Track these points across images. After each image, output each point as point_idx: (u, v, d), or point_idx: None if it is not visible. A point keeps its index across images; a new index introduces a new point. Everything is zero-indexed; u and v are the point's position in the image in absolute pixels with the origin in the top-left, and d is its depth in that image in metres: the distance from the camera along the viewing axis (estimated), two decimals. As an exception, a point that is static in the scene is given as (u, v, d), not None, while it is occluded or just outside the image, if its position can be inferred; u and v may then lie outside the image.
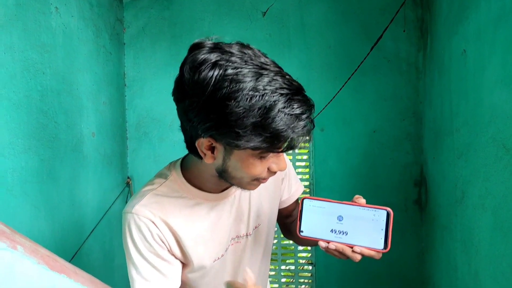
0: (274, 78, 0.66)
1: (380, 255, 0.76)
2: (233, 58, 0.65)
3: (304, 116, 0.67)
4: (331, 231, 0.76)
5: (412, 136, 2.20)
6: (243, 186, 0.78)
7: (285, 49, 2.28)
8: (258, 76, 0.64)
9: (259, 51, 0.71)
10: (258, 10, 2.29)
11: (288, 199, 1.05)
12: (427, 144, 2.07)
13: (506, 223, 1.11)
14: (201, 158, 0.75)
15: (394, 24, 2.14)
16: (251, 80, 0.64)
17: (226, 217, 0.88)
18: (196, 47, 0.68)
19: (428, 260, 2.07)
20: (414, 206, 2.20)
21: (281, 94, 0.64)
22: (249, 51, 0.68)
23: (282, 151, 0.69)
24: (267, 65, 0.68)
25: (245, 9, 2.30)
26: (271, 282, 2.37)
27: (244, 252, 0.96)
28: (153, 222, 0.79)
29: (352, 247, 0.75)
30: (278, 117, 0.64)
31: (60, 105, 1.69)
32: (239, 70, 0.64)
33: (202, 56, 0.65)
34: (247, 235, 0.94)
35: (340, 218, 0.76)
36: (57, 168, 1.66)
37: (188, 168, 0.85)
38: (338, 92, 2.19)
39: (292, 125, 0.65)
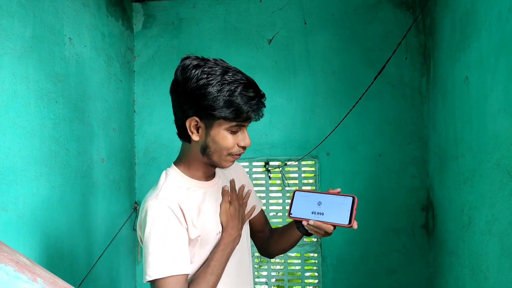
0: (236, 74, 0.96)
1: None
2: (208, 63, 0.96)
3: (256, 98, 0.96)
4: (312, 212, 1.01)
5: (417, 160, 2.21)
6: (221, 162, 1.02)
7: (291, 75, 2.33)
8: (224, 72, 0.95)
9: (227, 63, 1.00)
10: (264, 37, 2.36)
11: (255, 209, 1.25)
12: (432, 168, 2.08)
13: (514, 250, 1.11)
14: (189, 141, 1.02)
15: (397, 50, 2.19)
16: (220, 74, 0.94)
17: (217, 203, 1.08)
18: (185, 58, 0.98)
19: (436, 285, 2.04)
20: (422, 230, 2.19)
21: (240, 83, 0.94)
22: (220, 61, 0.98)
23: (243, 121, 0.96)
24: (231, 68, 0.98)
25: (251, 37, 2.36)
26: (278, 309, 2.34)
27: None
28: (175, 204, 0.98)
29: (326, 223, 0.99)
30: (239, 96, 0.93)
31: (72, 132, 1.73)
32: (212, 68, 0.94)
33: (188, 62, 0.96)
34: None
35: (319, 203, 1.01)
36: (68, 195, 1.69)
37: (180, 163, 1.08)
38: (344, 118, 2.22)
39: (249, 103, 0.94)
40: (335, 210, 0.99)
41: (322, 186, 2.28)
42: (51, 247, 1.58)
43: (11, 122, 1.38)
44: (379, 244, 2.22)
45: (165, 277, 0.91)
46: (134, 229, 2.31)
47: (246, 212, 1.15)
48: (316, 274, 2.31)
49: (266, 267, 2.37)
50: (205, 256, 1.04)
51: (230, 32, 2.38)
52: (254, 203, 1.23)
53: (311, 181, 2.34)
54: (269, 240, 1.27)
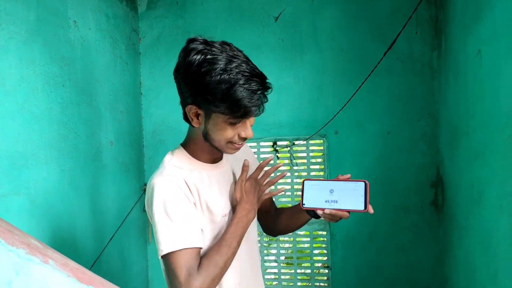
0: (241, 64, 0.90)
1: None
2: (213, 49, 0.90)
3: (258, 92, 0.91)
4: (325, 201, 1.00)
5: (427, 136, 2.18)
6: (223, 148, 1.00)
7: (298, 53, 2.29)
8: (228, 61, 0.89)
9: (236, 48, 0.95)
10: (270, 15, 2.31)
11: (284, 190, 1.24)
12: (443, 145, 2.06)
13: (525, 225, 1.10)
14: (192, 125, 0.99)
15: (407, 25, 2.14)
16: (222, 64, 0.88)
17: (222, 187, 1.08)
18: (190, 41, 0.93)
19: (446, 261, 2.05)
20: (431, 207, 2.19)
21: (243, 75, 0.89)
22: (227, 46, 0.92)
23: (241, 117, 0.92)
24: (238, 56, 0.91)
25: (257, 15, 2.32)
26: (287, 287, 2.38)
27: None
28: (182, 181, 0.98)
29: (342, 211, 0.98)
30: (238, 90, 0.88)
31: (79, 116, 1.74)
32: (215, 56, 0.89)
33: (192, 46, 0.91)
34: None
35: (331, 191, 1.01)
36: (78, 178, 1.71)
37: (186, 145, 1.06)
38: (353, 96, 2.19)
39: (248, 97, 0.89)
40: (349, 196, 0.98)
41: (331, 165, 2.27)
42: (63, 230, 1.61)
43: (19, 107, 1.39)
44: (388, 222, 2.22)
45: (176, 251, 0.91)
46: (144, 211, 2.33)
47: (272, 192, 1.12)
48: (325, 251, 2.33)
49: (275, 245, 2.39)
50: (210, 237, 1.03)
51: (235, 11, 2.34)
52: None
53: (319, 160, 2.34)
54: (275, 220, 1.26)
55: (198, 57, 0.89)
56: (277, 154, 2.35)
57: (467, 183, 1.62)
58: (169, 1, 2.39)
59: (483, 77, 1.42)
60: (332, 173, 2.27)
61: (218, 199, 1.05)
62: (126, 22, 2.23)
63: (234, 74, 0.88)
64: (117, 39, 2.12)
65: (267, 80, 0.95)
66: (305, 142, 2.31)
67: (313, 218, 1.11)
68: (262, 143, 2.37)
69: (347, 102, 2.20)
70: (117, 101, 2.09)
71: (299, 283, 2.38)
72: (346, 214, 0.98)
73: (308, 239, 2.36)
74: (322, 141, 2.31)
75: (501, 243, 1.26)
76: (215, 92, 0.88)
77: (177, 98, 1.06)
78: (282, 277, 2.39)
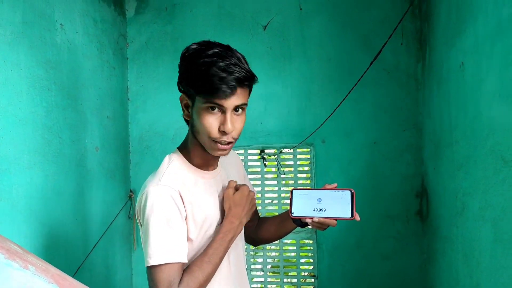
0: (232, 62, 0.90)
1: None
2: (212, 44, 0.93)
3: (235, 74, 0.90)
4: (314, 209, 1.02)
5: (412, 147, 2.21)
6: (208, 147, 0.99)
7: (286, 61, 2.31)
8: (214, 47, 0.92)
9: (240, 54, 0.96)
10: (258, 23, 2.33)
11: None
12: (427, 155, 2.09)
13: (506, 235, 1.12)
14: (187, 122, 1.01)
15: (393, 36, 2.18)
16: (205, 49, 0.91)
17: (220, 192, 1.08)
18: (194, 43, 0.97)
19: (430, 271, 2.07)
20: (416, 217, 2.21)
21: (221, 56, 0.90)
22: (228, 46, 0.95)
23: (218, 97, 0.91)
24: (226, 46, 0.94)
25: (246, 23, 2.34)
26: (274, 294, 2.36)
27: None
28: (176, 192, 0.97)
29: (330, 219, 1.00)
30: (213, 69, 0.89)
31: (65, 120, 1.71)
32: (210, 46, 0.92)
33: (193, 45, 0.95)
34: None
35: (319, 200, 1.03)
36: (62, 183, 1.68)
37: (183, 149, 1.06)
38: (339, 105, 2.21)
39: (222, 76, 0.89)
40: (336, 204, 1.01)
41: (318, 173, 2.28)
42: (46, 236, 1.57)
43: (2, 110, 1.36)
44: (374, 230, 2.24)
45: (161, 264, 0.92)
46: (130, 217, 2.31)
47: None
48: (312, 260, 2.33)
49: (261, 254, 2.38)
50: (202, 247, 1.02)
51: (225, 18, 2.35)
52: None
53: (306, 168, 2.35)
54: (258, 229, 1.26)
55: (194, 46, 0.94)
56: (264, 162, 2.35)
57: (451, 194, 1.65)
58: (157, 7, 2.39)
59: (465, 89, 1.45)
60: (318, 181, 2.28)
61: (214, 208, 1.05)
62: (114, 27, 2.22)
63: (213, 54, 0.91)
64: (105, 44, 2.11)
65: (255, 78, 0.96)
66: (292, 150, 2.32)
67: (298, 227, 1.12)
68: (249, 151, 2.37)
69: (334, 111, 2.22)
70: (104, 106, 2.07)
71: (284, 292, 2.37)
72: (334, 222, 1.00)
73: (295, 247, 2.35)
74: (309, 149, 2.32)
75: (483, 253, 1.28)
76: (196, 72, 0.91)
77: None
78: (269, 286, 2.38)
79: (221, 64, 0.89)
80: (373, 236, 2.24)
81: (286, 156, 2.34)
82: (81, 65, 1.87)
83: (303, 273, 2.36)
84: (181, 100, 1.00)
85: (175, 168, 1.01)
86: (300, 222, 1.07)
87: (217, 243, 0.99)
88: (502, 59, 1.13)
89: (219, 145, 0.97)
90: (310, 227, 1.05)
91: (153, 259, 0.92)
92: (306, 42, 2.30)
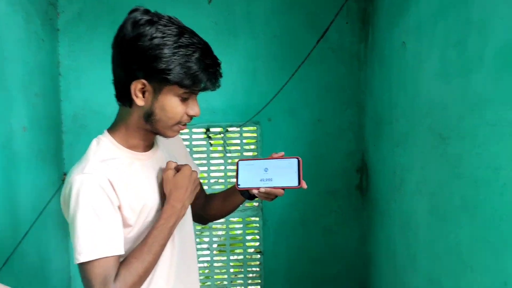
0: (192, 37, 0.88)
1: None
2: (162, 20, 0.87)
3: (214, 67, 0.90)
4: (260, 180, 1.00)
5: (354, 125, 2.28)
6: (166, 131, 0.95)
7: (231, 37, 2.24)
8: (181, 33, 0.87)
9: (181, 22, 0.92)
10: (202, -2, 2.22)
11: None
12: (368, 133, 2.16)
13: (441, 208, 1.19)
14: (130, 105, 0.92)
15: (339, 15, 2.19)
16: (176, 35, 0.86)
17: (158, 175, 1.02)
18: (133, 11, 0.88)
19: (369, 243, 2.18)
20: (356, 191, 2.30)
21: (198, 48, 0.87)
22: (174, 18, 0.90)
23: (199, 90, 0.91)
24: (187, 29, 0.90)
25: (189, -5, 2.22)
26: (219, 274, 2.37)
27: None
28: (105, 180, 0.89)
29: (276, 188, 0.99)
30: (197, 62, 0.86)
31: (-16, 97, 1.53)
32: (167, 27, 0.86)
33: (139, 16, 0.86)
34: None
35: (266, 170, 1.01)
36: (-16, 167, 1.51)
37: (115, 131, 0.97)
38: (286, 83, 2.20)
39: (207, 70, 0.88)
40: (283, 173, 0.99)
41: (264, 151, 2.28)
42: (-33, 226, 1.42)
43: None
44: (316, 206, 2.30)
45: (93, 260, 0.85)
46: (66, 202, 2.16)
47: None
48: (258, 237, 2.35)
49: (208, 233, 2.36)
50: (141, 235, 0.96)
51: (166, -11, 2.21)
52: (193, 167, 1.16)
53: (252, 147, 2.33)
54: (205, 207, 1.22)
55: (149, 28, 0.85)
56: (210, 141, 2.30)
57: (390, 170, 1.72)
58: (91, -26, 2.19)
59: (406, 69, 1.50)
60: (264, 160, 2.28)
61: (151, 191, 0.98)
62: (41, -6, 2.00)
63: (189, 45, 0.86)
64: (32, 13, 1.90)
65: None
66: (238, 129, 2.29)
67: (247, 200, 1.10)
68: (194, 130, 2.30)
69: (281, 89, 2.21)
70: (32, 83, 1.88)
71: (231, 270, 2.38)
72: (281, 191, 0.98)
73: (241, 225, 2.36)
74: (255, 127, 2.30)
75: (420, 226, 1.35)
76: (173, 63, 0.85)
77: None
78: (215, 264, 2.38)
79: (201, 57, 0.87)
80: (316, 211, 2.31)
81: (232, 135, 2.31)
82: (5, 37, 1.67)
83: (249, 250, 2.38)
84: (134, 87, 0.88)
85: (104, 152, 0.93)
86: (248, 194, 1.04)
87: (157, 230, 0.93)
88: (443, 40, 1.17)
89: (181, 127, 0.95)
90: (256, 204, 1.03)
91: (83, 255, 0.85)
92: (252, 17, 2.24)
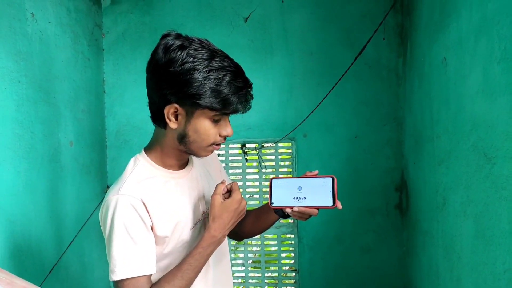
0: (223, 60, 0.88)
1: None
2: (193, 44, 0.88)
3: (245, 89, 0.90)
4: (294, 198, 0.98)
5: (393, 141, 2.22)
6: (200, 152, 0.96)
7: (268, 55, 2.27)
8: (212, 57, 0.87)
9: (213, 45, 0.92)
10: (239, 15, 2.28)
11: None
12: (407, 150, 2.10)
13: (488, 231, 1.13)
14: (165, 127, 0.94)
15: (374, 31, 2.17)
16: (207, 59, 0.86)
17: (193, 192, 1.03)
18: (166, 36, 0.90)
19: (409, 264, 2.09)
20: (395, 210, 2.23)
21: (229, 71, 0.87)
22: (205, 41, 0.90)
23: (230, 113, 0.91)
24: (218, 51, 0.90)
25: (226, 14, 2.28)
26: (255, 290, 2.35)
27: None
28: (138, 201, 0.91)
29: (310, 208, 0.96)
30: (228, 86, 0.87)
31: (36, 114, 1.63)
32: (198, 51, 0.87)
33: (171, 41, 0.88)
34: (207, 211, 1.08)
35: (299, 188, 0.99)
36: (34, 180, 1.61)
37: (151, 150, 1.00)
38: (323, 99, 2.20)
39: (237, 93, 0.88)
40: (317, 193, 0.97)
41: (299, 168, 2.27)
42: (17, 235, 1.50)
43: (-33, 104, 1.28)
44: (354, 224, 2.25)
45: (124, 279, 0.89)
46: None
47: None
48: (293, 254, 2.32)
49: (242, 248, 2.36)
50: (179, 252, 0.98)
51: (205, 9, 2.29)
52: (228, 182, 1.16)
53: (287, 163, 2.33)
54: (241, 224, 1.19)
55: (181, 53, 0.86)
56: (246, 157, 2.32)
57: (431, 188, 1.66)
58: (135, -3, 2.31)
59: (448, 85, 1.45)
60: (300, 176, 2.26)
61: (186, 209, 1.00)
62: (88, 17, 2.13)
63: (220, 69, 0.87)
64: (79, 34, 2.02)
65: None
66: (274, 144, 2.30)
67: (281, 218, 1.08)
68: (230, 145, 2.33)
69: (318, 105, 2.20)
70: (78, 99, 1.99)
71: (266, 287, 2.36)
72: (315, 211, 0.96)
73: (276, 242, 2.34)
74: (290, 143, 2.30)
75: (465, 249, 1.29)
76: (204, 88, 0.85)
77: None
78: (250, 280, 2.37)
79: (232, 79, 0.87)
80: (353, 229, 2.25)
81: (267, 151, 2.31)
82: (54, 57, 1.78)
83: (284, 268, 2.35)
84: (167, 110, 0.89)
85: (139, 173, 0.95)
86: (282, 213, 1.03)
87: (193, 258, 0.93)
88: (486, 55, 1.13)
89: (215, 146, 0.96)
90: (291, 221, 1.01)
91: (115, 274, 0.89)
92: (288, 35, 2.27)
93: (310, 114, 2.21)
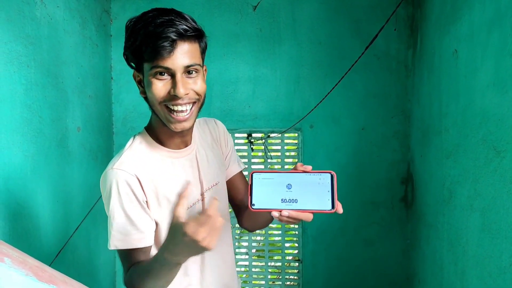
0: (171, 18, 0.83)
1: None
2: (154, 10, 0.85)
3: (174, 27, 0.82)
4: (282, 200, 0.78)
5: (399, 134, 2.21)
6: (164, 118, 0.90)
7: (276, 44, 2.26)
8: (158, 15, 0.83)
9: (186, 14, 0.88)
10: (248, 4, 2.26)
11: (229, 169, 1.15)
12: (414, 142, 2.09)
13: (495, 225, 1.12)
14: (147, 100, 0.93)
15: (385, 21, 2.14)
16: (150, 19, 0.83)
17: (190, 172, 1.00)
18: None
19: (413, 257, 2.09)
20: (400, 203, 2.23)
21: (155, 14, 0.83)
22: (171, 10, 0.85)
23: (158, 57, 0.83)
24: (174, 12, 0.85)
25: (235, 2, 2.26)
26: (257, 279, 2.37)
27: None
28: (133, 176, 0.90)
29: (303, 211, 0.77)
30: (151, 29, 0.82)
31: (45, 99, 1.64)
32: (150, 13, 0.84)
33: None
34: (208, 189, 1.05)
35: (289, 187, 0.79)
36: (42, 164, 1.62)
37: (148, 128, 0.99)
38: (331, 91, 2.18)
39: (161, 33, 0.81)
40: (312, 192, 0.78)
41: (305, 158, 2.27)
42: (25, 217, 1.52)
43: (-23, 86, 1.29)
44: (358, 216, 2.25)
45: (119, 249, 0.93)
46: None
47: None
48: (296, 245, 2.33)
49: (246, 237, 2.37)
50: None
51: (214, -4, 2.27)
52: (232, 163, 1.14)
53: (293, 153, 2.33)
54: (243, 213, 1.16)
55: (134, 18, 0.87)
56: (251, 146, 2.32)
57: (438, 182, 1.65)
58: (144, -17, 2.29)
59: (458, 77, 1.44)
60: (305, 167, 2.26)
61: (176, 189, 0.97)
62: (97, 2, 2.12)
63: (153, 17, 0.83)
64: (87, 19, 2.01)
65: (200, 31, 0.89)
66: (280, 135, 2.29)
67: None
68: (236, 135, 2.33)
69: (325, 97, 2.19)
70: (86, 85, 1.99)
71: (269, 276, 2.37)
72: (310, 215, 0.78)
73: (280, 232, 2.35)
74: (297, 134, 2.30)
75: (470, 242, 1.29)
76: (134, 38, 0.84)
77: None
78: (253, 269, 2.38)
79: (157, 20, 0.82)
80: (357, 222, 2.25)
81: (273, 141, 2.31)
82: (62, 41, 1.78)
83: (287, 257, 2.37)
84: (134, 77, 0.93)
85: (137, 149, 0.95)
86: (269, 215, 0.81)
87: (157, 262, 0.84)
88: (498, 48, 1.11)
89: (174, 115, 0.88)
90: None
91: (109, 244, 0.93)
92: (296, 24, 2.25)
93: (317, 105, 2.20)
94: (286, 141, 2.32)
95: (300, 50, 2.25)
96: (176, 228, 0.75)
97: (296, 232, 2.33)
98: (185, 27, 0.84)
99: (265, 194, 0.79)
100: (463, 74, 1.39)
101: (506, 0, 1.09)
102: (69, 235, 1.82)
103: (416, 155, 2.05)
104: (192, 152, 1.02)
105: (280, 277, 2.36)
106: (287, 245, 2.36)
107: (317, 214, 0.79)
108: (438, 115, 1.66)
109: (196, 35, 0.87)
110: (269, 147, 2.31)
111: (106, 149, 2.23)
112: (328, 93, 2.19)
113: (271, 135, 2.30)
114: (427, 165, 1.83)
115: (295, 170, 0.81)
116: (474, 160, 1.27)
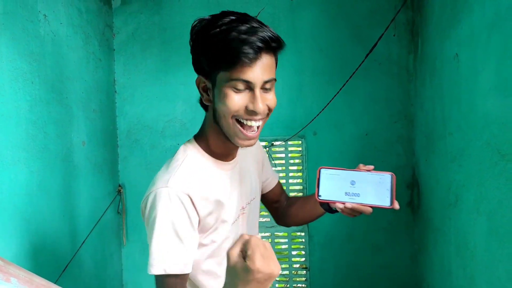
0: (254, 25, 0.79)
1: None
2: (231, 15, 0.82)
3: (259, 34, 0.78)
4: (346, 194, 0.88)
5: (403, 138, 2.21)
6: (232, 133, 0.86)
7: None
8: (241, 22, 0.79)
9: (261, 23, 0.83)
10: (249, 13, 2.27)
11: (269, 182, 1.18)
12: (418, 147, 2.08)
13: (502, 228, 1.11)
14: (206, 109, 0.90)
15: (386, 27, 2.15)
16: (233, 24, 0.79)
17: (236, 187, 0.98)
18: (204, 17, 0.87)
19: (421, 262, 2.08)
20: (407, 208, 2.21)
21: (238, 18, 0.80)
22: (249, 16, 0.83)
23: (239, 68, 0.78)
24: (254, 19, 0.82)
25: (235, 13, 2.28)
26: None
27: (248, 220, 1.06)
28: (186, 196, 0.86)
29: (365, 205, 0.87)
30: (235, 35, 0.77)
31: (49, 114, 1.66)
32: (227, 18, 0.80)
33: (204, 18, 0.86)
34: (248, 203, 1.05)
35: (353, 183, 0.89)
36: (47, 179, 1.63)
37: (200, 137, 0.95)
38: (333, 98, 2.19)
39: (246, 40, 0.76)
40: (373, 189, 0.88)
41: (309, 166, 2.26)
42: (32, 233, 1.53)
43: (-17, 105, 1.31)
44: (365, 222, 2.23)
45: (161, 275, 0.86)
46: (119, 212, 2.26)
47: None
48: (303, 252, 2.32)
49: (253, 247, 2.36)
50: (218, 243, 0.96)
51: (214, 8, 2.26)
52: (271, 176, 1.17)
53: (297, 161, 2.33)
54: (287, 210, 1.17)
55: (206, 18, 0.85)
56: (255, 155, 2.32)
57: (444, 186, 1.64)
58: (145, -3, 2.32)
59: (460, 81, 1.44)
60: (310, 174, 2.26)
61: (232, 202, 0.96)
62: (99, 17, 2.15)
63: (235, 22, 0.80)
64: (90, 35, 2.04)
65: (282, 41, 0.85)
66: (283, 143, 2.30)
67: (327, 212, 1.01)
68: (240, 144, 2.34)
69: (328, 103, 2.19)
70: (90, 99, 2.01)
71: (277, 285, 2.36)
72: (369, 209, 0.87)
73: (286, 240, 2.34)
74: (300, 141, 2.30)
75: (478, 246, 1.28)
76: (211, 44, 0.80)
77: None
78: (260, 279, 2.37)
79: (242, 27, 0.77)
80: (364, 227, 2.24)
81: (277, 149, 2.32)
82: (66, 57, 1.81)
83: (294, 265, 2.35)
84: (197, 83, 0.88)
85: (189, 164, 0.90)
86: (329, 207, 0.95)
87: None
88: (499, 51, 1.11)
89: (244, 131, 0.85)
90: (339, 212, 0.91)
91: (154, 268, 0.86)
92: (297, 33, 2.26)
93: (320, 112, 2.20)
94: (290, 148, 2.32)
95: (301, 58, 2.26)
96: (244, 269, 0.67)
97: (303, 240, 2.32)
98: (270, 35, 0.80)
99: (331, 187, 0.90)
100: (464, 78, 1.39)
101: (506, 2, 1.09)
102: (76, 249, 1.83)
103: (421, 160, 2.04)
104: (237, 165, 1.01)
105: (288, 285, 2.34)
106: (293, 253, 2.34)
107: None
108: (442, 119, 1.65)
109: (278, 46, 0.84)
110: (273, 155, 2.32)
111: (111, 162, 2.24)
112: (331, 100, 2.19)
113: (274, 143, 2.30)
114: (432, 170, 1.83)
115: (358, 169, 0.91)
116: (479, 164, 1.27)
